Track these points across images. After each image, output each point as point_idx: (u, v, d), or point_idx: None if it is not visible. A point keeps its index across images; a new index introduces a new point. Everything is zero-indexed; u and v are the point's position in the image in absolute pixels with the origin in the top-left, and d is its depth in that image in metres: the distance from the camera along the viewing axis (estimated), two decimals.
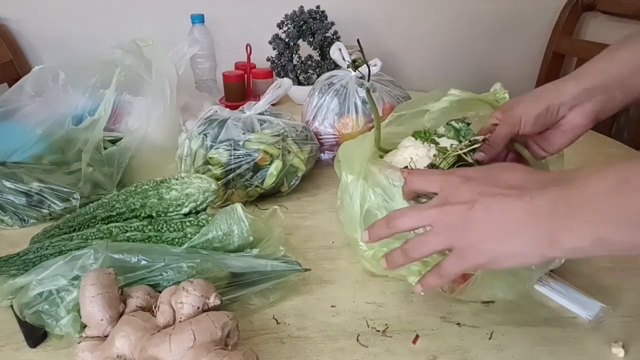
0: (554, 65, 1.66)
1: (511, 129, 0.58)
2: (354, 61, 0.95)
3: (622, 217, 0.35)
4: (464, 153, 0.57)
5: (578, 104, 0.56)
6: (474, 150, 0.58)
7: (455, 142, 0.61)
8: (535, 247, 0.39)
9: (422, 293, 0.47)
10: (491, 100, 0.68)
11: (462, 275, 0.52)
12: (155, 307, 0.48)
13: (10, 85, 1.43)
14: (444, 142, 0.62)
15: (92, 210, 0.66)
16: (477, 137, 0.59)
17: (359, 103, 0.91)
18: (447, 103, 0.66)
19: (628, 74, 0.54)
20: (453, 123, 0.63)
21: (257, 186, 0.79)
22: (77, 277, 0.51)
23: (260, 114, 0.84)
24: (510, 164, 0.51)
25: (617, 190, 0.35)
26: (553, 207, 0.38)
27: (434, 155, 0.60)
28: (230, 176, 0.77)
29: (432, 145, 0.62)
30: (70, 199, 0.77)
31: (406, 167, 0.59)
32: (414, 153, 0.61)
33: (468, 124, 0.63)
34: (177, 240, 0.61)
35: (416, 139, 0.63)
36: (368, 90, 0.69)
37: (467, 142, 0.59)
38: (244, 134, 0.79)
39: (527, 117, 0.57)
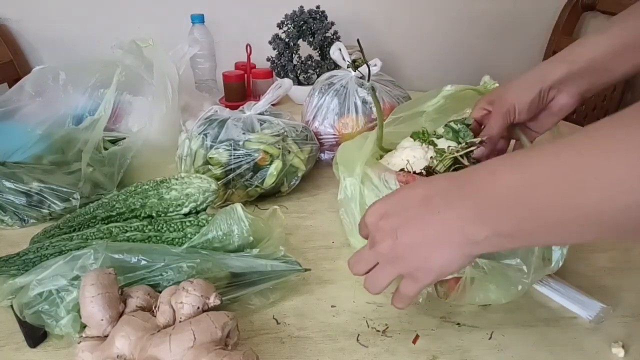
0: None
1: (506, 119, 0.58)
2: (354, 61, 0.95)
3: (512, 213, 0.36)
4: (460, 155, 0.57)
5: (565, 86, 0.57)
6: (471, 151, 0.58)
7: (454, 144, 0.61)
8: (461, 249, 0.40)
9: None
10: (483, 91, 0.68)
11: (453, 280, 0.52)
12: (155, 307, 0.48)
13: (10, 85, 1.43)
14: (442, 144, 0.62)
15: (92, 210, 0.66)
16: (475, 140, 0.59)
17: (359, 103, 0.91)
18: (442, 99, 0.66)
19: (612, 55, 0.55)
20: (452, 124, 0.63)
21: (257, 186, 0.79)
22: (77, 277, 0.51)
23: (260, 114, 0.84)
24: (408, 185, 0.51)
25: (508, 192, 0.36)
26: (458, 213, 0.39)
27: (431, 157, 0.60)
28: (230, 176, 0.77)
29: (430, 147, 0.62)
30: (70, 199, 0.77)
31: (402, 169, 0.59)
32: (411, 155, 0.61)
33: (467, 125, 0.63)
34: (177, 240, 0.61)
35: (414, 139, 0.63)
36: (373, 89, 0.68)
37: (464, 144, 0.59)
38: (244, 134, 0.79)
39: (521, 105, 0.58)
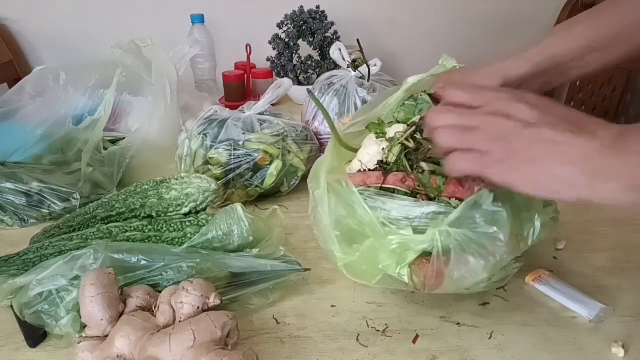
0: None
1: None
2: (354, 61, 0.95)
3: None
4: (406, 139, 0.55)
5: (525, 83, 0.55)
6: (415, 132, 0.56)
7: (401, 128, 0.58)
8: (576, 179, 0.38)
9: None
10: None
11: (437, 275, 0.50)
12: (155, 307, 0.48)
13: (10, 86, 1.43)
14: (392, 132, 0.60)
15: (92, 210, 0.66)
16: (414, 119, 0.57)
17: (359, 103, 0.91)
18: (402, 92, 0.64)
19: (580, 51, 0.54)
20: (406, 102, 0.61)
21: (257, 186, 0.79)
22: (77, 277, 0.51)
23: (260, 114, 0.84)
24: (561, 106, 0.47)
25: None
26: (610, 147, 0.37)
27: (383, 149, 0.57)
28: (230, 176, 0.77)
29: (382, 140, 0.59)
30: (70, 199, 0.77)
31: (359, 170, 0.57)
32: (365, 153, 0.58)
33: (431, 95, 0.60)
34: (177, 240, 0.61)
35: (370, 131, 0.61)
36: (310, 92, 0.67)
37: (407, 127, 0.56)
38: (244, 134, 0.79)
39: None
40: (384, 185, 0.53)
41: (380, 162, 0.56)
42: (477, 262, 0.49)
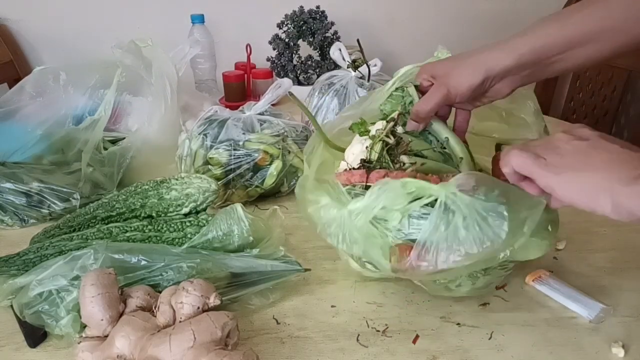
0: None
1: (444, 101, 0.56)
2: (354, 61, 0.95)
3: None
4: (386, 135, 0.55)
5: (509, 75, 0.55)
6: (393, 127, 0.56)
7: (381, 126, 0.58)
8: (620, 184, 0.38)
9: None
10: None
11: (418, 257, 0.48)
12: (155, 307, 0.48)
13: (10, 86, 1.43)
14: (374, 129, 0.59)
15: (92, 210, 0.66)
16: (393, 115, 0.57)
17: None
18: (392, 83, 0.62)
19: (565, 44, 0.53)
20: (394, 93, 0.61)
21: (257, 186, 0.79)
22: (77, 277, 0.51)
23: (260, 114, 0.84)
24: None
25: None
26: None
27: (367, 147, 0.57)
28: (230, 176, 0.77)
29: (366, 138, 0.59)
30: (70, 199, 0.77)
31: (346, 169, 0.57)
32: (350, 153, 0.58)
33: (416, 87, 0.60)
34: (177, 240, 0.61)
35: (353, 131, 0.61)
36: (291, 93, 0.66)
37: (386, 123, 0.56)
38: (244, 134, 0.79)
39: (463, 89, 0.56)
40: (367, 184, 0.53)
41: (362, 161, 0.56)
42: (470, 243, 0.46)
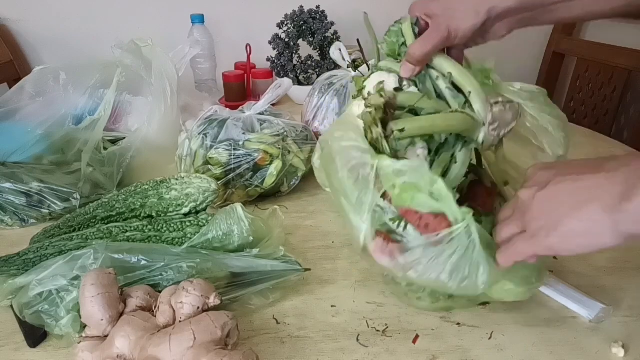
0: (554, 65, 1.66)
1: (443, 42, 0.53)
2: (354, 61, 0.95)
3: None
4: (375, 124, 0.48)
5: (509, 17, 0.53)
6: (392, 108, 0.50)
7: (377, 80, 0.53)
8: (606, 213, 0.37)
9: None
10: None
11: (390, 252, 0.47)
12: (155, 307, 0.48)
13: (10, 86, 1.43)
14: (375, 79, 0.53)
15: (92, 210, 0.66)
16: (379, 103, 0.50)
17: None
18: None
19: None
20: (391, 27, 0.55)
21: (257, 186, 0.79)
22: (77, 277, 0.51)
23: (260, 114, 0.84)
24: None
25: None
26: (627, 177, 0.36)
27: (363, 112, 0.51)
28: (230, 176, 0.77)
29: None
30: (70, 199, 0.77)
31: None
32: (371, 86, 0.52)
33: (415, 23, 0.56)
34: (177, 240, 0.61)
35: (356, 85, 0.55)
36: (365, 13, 0.63)
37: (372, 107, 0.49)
38: (244, 134, 0.79)
39: (465, 31, 0.52)
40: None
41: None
42: (450, 275, 0.45)
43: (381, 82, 0.54)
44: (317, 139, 0.91)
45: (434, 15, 0.54)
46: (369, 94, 0.55)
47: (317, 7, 1.34)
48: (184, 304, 0.46)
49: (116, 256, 0.53)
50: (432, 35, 0.52)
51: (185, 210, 0.65)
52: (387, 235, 0.47)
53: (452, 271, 0.45)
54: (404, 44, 0.55)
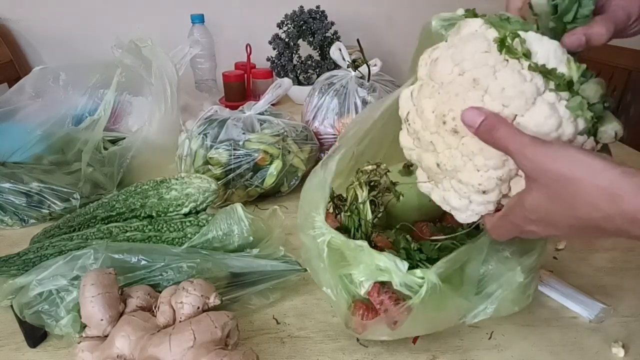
0: None
1: (615, 28, 0.43)
2: (354, 61, 0.95)
3: None
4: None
5: None
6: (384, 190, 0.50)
7: (550, 46, 0.41)
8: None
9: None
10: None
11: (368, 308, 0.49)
12: (155, 307, 0.48)
13: (10, 86, 1.43)
14: (538, 45, 0.41)
15: (92, 210, 0.66)
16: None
17: (359, 103, 0.91)
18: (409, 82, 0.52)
19: None
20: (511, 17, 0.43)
21: (257, 186, 0.79)
22: (77, 277, 0.51)
23: (260, 114, 0.84)
24: None
25: None
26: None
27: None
28: (230, 176, 0.77)
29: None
30: (70, 199, 0.77)
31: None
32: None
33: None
34: (177, 240, 0.61)
35: (499, 50, 0.41)
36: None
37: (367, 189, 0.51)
38: (244, 134, 0.79)
39: (633, 11, 0.43)
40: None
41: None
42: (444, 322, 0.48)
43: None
44: (317, 139, 0.91)
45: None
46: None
47: (317, 7, 1.34)
48: (184, 304, 0.46)
49: (116, 256, 0.53)
50: (602, 23, 0.43)
51: (185, 210, 0.65)
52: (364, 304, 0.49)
53: (431, 320, 0.47)
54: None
